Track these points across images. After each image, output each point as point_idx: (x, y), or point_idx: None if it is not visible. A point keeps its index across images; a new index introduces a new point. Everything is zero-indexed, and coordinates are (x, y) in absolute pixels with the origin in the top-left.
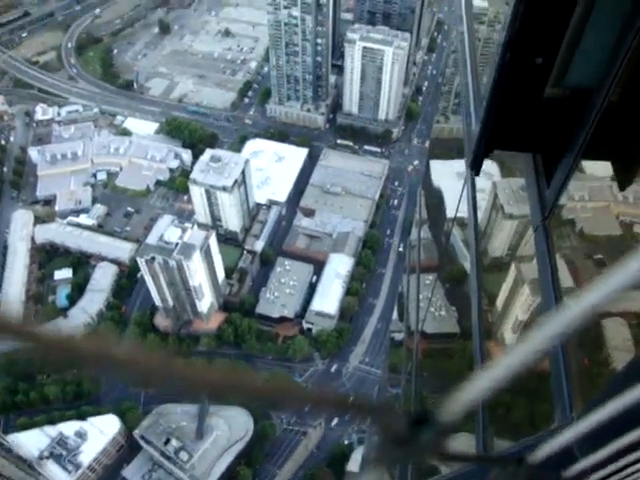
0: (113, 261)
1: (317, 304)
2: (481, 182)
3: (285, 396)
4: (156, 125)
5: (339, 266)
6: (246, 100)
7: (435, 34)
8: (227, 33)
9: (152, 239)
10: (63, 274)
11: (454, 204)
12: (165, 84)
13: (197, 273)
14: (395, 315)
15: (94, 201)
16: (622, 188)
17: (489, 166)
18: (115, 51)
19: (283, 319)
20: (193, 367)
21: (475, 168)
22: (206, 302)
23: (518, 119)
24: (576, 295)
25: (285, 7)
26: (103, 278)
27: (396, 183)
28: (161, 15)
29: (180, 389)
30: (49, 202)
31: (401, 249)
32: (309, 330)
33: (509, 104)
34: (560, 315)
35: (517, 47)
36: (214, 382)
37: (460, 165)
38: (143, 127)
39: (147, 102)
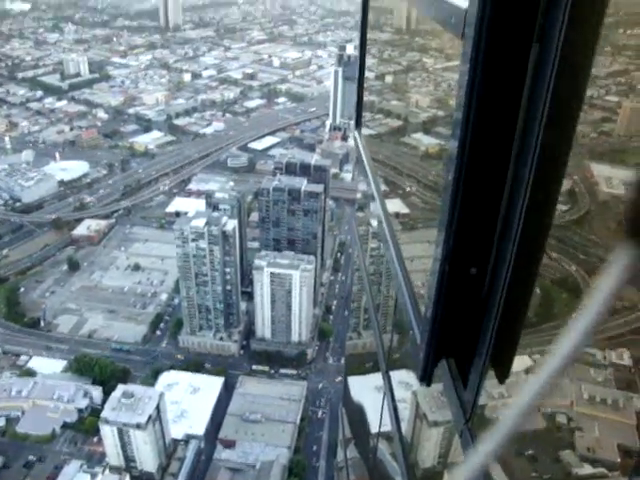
0: None
1: None
2: (401, 393)
3: None
4: (64, 363)
5: None
6: (158, 332)
7: (338, 255)
8: (137, 267)
9: None
10: None
11: (377, 418)
12: (74, 320)
13: None
14: None
15: None
16: (501, 382)
17: (406, 376)
18: (22, 289)
19: None
20: None
21: (425, 380)
22: None
23: (459, 327)
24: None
25: (193, 240)
26: None
27: (317, 404)
28: (70, 253)
29: None
30: None
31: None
32: None
33: (450, 313)
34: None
35: (453, 261)
36: None
37: (377, 378)
38: (49, 366)
39: (54, 340)
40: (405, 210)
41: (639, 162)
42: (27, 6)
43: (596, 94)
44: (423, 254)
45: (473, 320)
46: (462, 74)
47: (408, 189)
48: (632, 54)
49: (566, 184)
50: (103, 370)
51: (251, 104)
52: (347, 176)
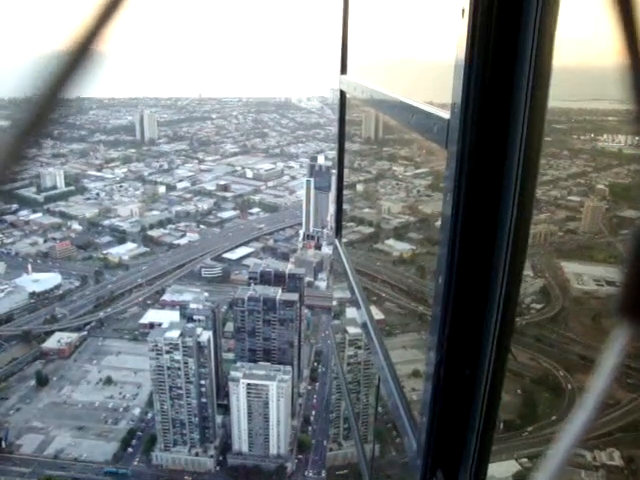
0: None
1: None
2: None
3: None
4: None
5: None
6: (130, 450)
7: (315, 364)
8: (109, 381)
9: None
10: None
11: None
12: (39, 439)
13: None
14: None
15: None
16: None
17: None
18: None
19: None
20: None
21: None
22: None
23: (450, 433)
24: None
25: (167, 352)
26: None
27: None
28: (39, 367)
29: None
30: None
31: None
32: None
33: (445, 419)
34: None
35: (448, 364)
36: None
37: None
38: None
39: (16, 462)
40: (380, 316)
41: (606, 258)
42: (6, 123)
43: (559, 195)
44: (399, 360)
45: (461, 426)
46: (447, 180)
47: (383, 295)
48: (587, 157)
49: (539, 283)
50: None
51: (225, 215)
52: (322, 284)
